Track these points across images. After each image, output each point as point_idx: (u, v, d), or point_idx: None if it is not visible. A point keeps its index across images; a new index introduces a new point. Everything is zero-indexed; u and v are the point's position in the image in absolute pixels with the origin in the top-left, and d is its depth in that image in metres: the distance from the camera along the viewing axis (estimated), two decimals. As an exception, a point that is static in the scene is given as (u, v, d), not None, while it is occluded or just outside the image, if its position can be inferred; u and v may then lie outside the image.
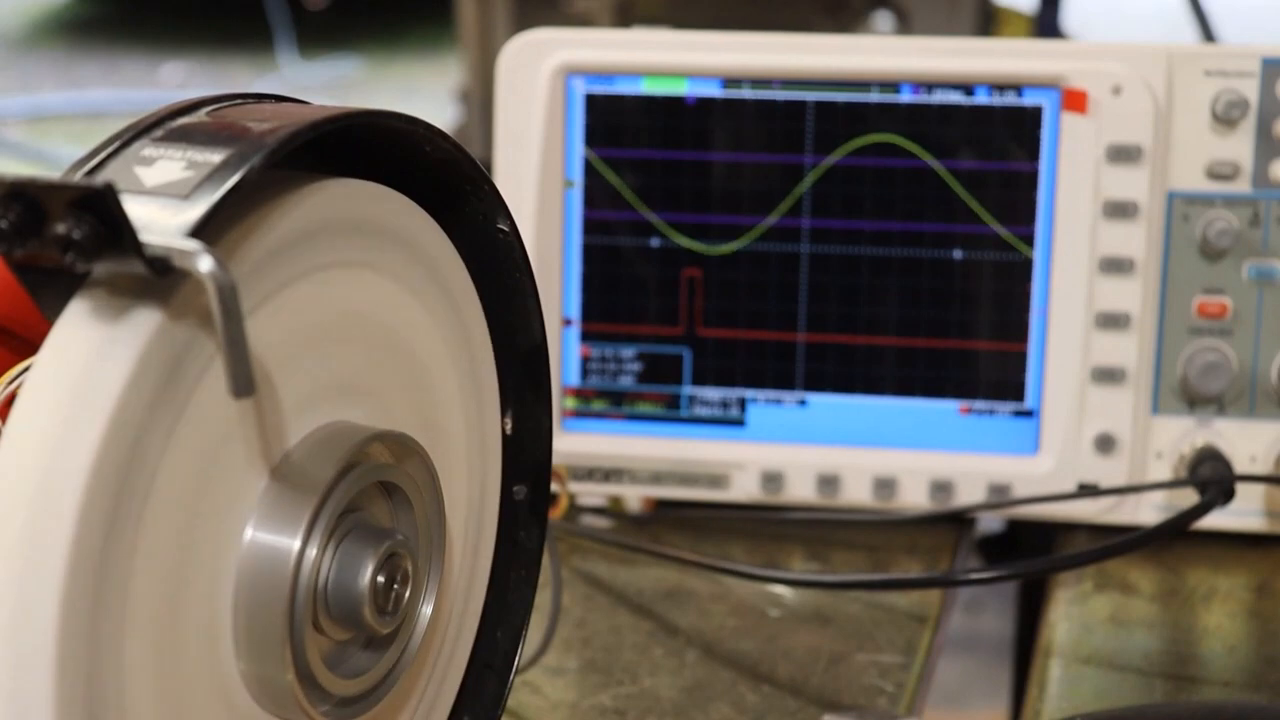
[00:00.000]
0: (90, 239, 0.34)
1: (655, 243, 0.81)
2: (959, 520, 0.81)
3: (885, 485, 0.79)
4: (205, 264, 0.34)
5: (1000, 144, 0.78)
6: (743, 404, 0.81)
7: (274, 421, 0.40)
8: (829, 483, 0.80)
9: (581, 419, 0.82)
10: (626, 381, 0.82)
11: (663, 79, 0.80)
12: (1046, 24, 1.69)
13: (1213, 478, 0.74)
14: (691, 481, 0.81)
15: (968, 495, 0.79)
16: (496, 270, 0.50)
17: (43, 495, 0.35)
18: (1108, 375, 0.78)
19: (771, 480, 0.80)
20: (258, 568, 0.40)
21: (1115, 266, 0.77)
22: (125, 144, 0.39)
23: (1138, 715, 0.59)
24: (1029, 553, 1.02)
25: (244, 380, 0.35)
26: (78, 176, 0.38)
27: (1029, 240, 0.79)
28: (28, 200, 0.34)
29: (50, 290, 0.37)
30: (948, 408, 0.80)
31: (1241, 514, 0.77)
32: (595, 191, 0.81)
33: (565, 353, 0.82)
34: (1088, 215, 0.77)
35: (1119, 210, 0.77)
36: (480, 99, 2.11)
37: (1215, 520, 0.76)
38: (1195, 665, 0.67)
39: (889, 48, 0.80)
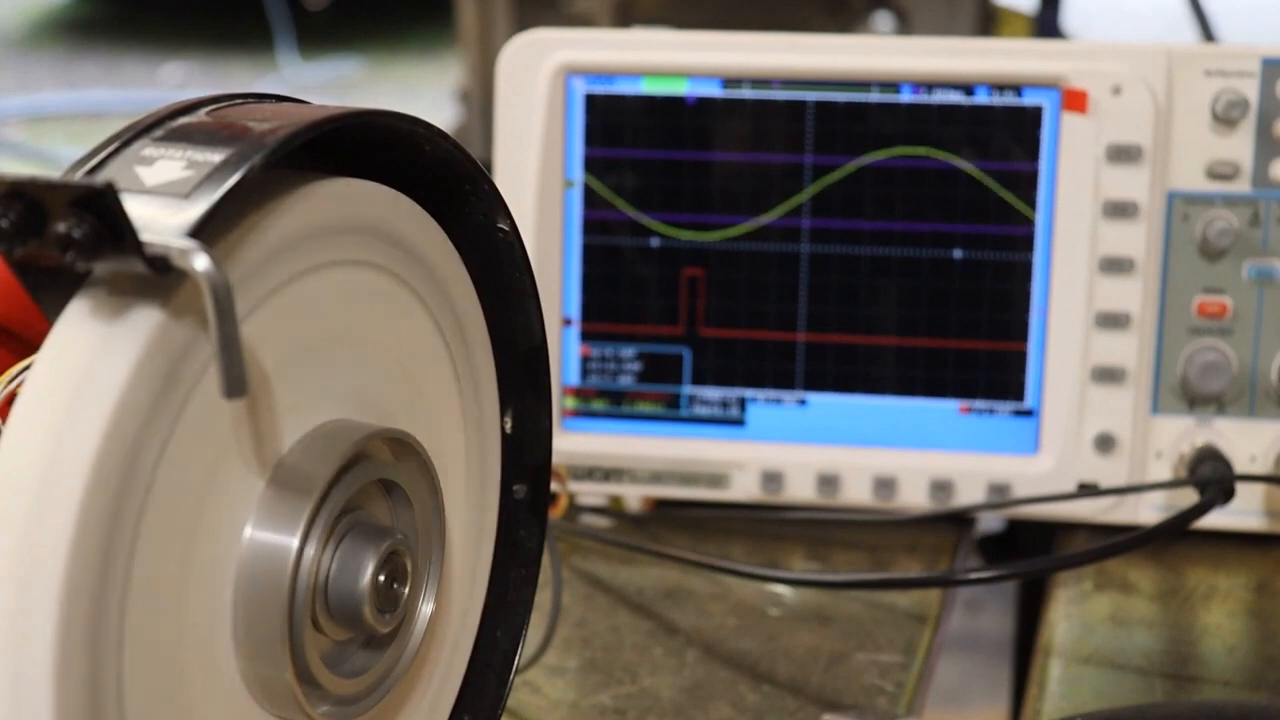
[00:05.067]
0: (91, 238, 0.34)
1: (655, 243, 0.81)
2: (959, 520, 0.81)
3: (885, 485, 0.79)
4: (200, 263, 0.34)
5: (1000, 144, 0.78)
6: (743, 404, 0.81)
7: (273, 420, 0.40)
8: (829, 482, 0.80)
9: (581, 419, 0.82)
10: (626, 381, 0.82)
11: (663, 79, 0.80)
12: (1046, 24, 1.69)
13: (1213, 477, 0.74)
14: (691, 481, 0.81)
15: (968, 495, 0.79)
16: (496, 270, 0.50)
17: (43, 495, 0.35)
18: (1108, 375, 0.78)
19: (771, 480, 0.80)
20: (257, 567, 0.40)
21: (1115, 266, 0.77)
22: (125, 144, 0.39)
23: (1138, 715, 0.59)
24: (1029, 553, 1.02)
25: (237, 381, 0.35)
26: (78, 176, 0.38)
27: (1029, 240, 0.79)
28: (28, 200, 0.34)
29: (50, 290, 0.37)
30: (948, 407, 0.80)
31: (1241, 514, 0.77)
32: (595, 191, 0.81)
33: (565, 353, 0.82)
34: (1088, 215, 0.77)
35: (1119, 210, 0.77)
36: (480, 99, 2.11)
37: (1215, 520, 0.76)
38: (1195, 665, 0.67)
39: (889, 48, 0.80)
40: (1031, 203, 0.78)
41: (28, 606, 0.34)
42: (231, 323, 0.35)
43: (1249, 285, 0.77)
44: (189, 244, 0.35)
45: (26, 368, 0.41)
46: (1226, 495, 0.73)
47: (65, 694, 0.35)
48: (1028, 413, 0.79)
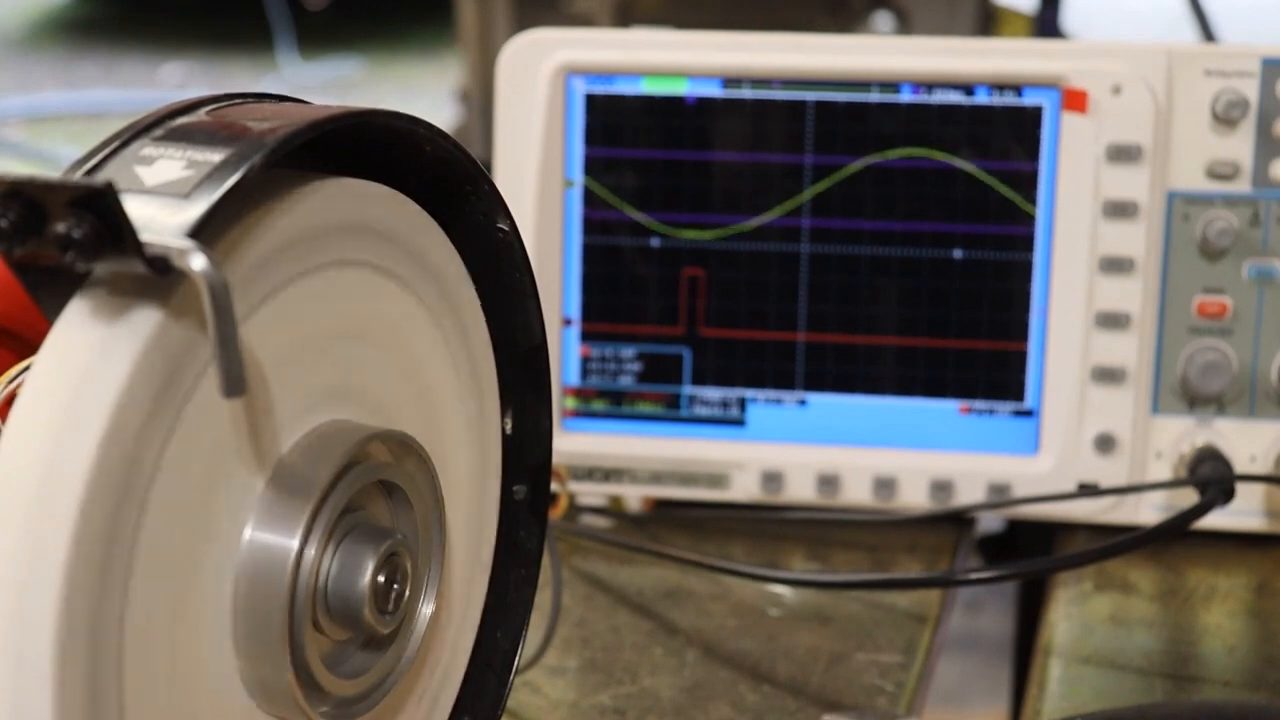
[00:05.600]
0: (90, 238, 0.34)
1: (655, 242, 0.81)
2: (959, 520, 0.81)
3: (885, 485, 0.79)
4: (198, 262, 0.34)
5: (1000, 144, 0.78)
6: (743, 404, 0.81)
7: (273, 420, 0.40)
8: (829, 483, 0.80)
9: (581, 419, 0.82)
10: (626, 381, 0.82)
11: (663, 79, 0.80)
12: (1046, 24, 1.69)
13: (1213, 477, 0.74)
14: (691, 481, 0.81)
15: (968, 495, 0.79)
16: (496, 270, 0.50)
17: (43, 495, 0.35)
18: (1108, 375, 0.78)
19: (771, 480, 0.80)
20: (257, 568, 0.40)
21: (1115, 266, 0.77)
22: (125, 143, 0.39)
23: (1138, 715, 0.59)
24: (1029, 553, 1.02)
25: (236, 380, 0.35)
26: (78, 176, 0.38)
27: (1029, 240, 0.78)
28: (27, 199, 0.34)
29: (50, 290, 0.37)
30: (948, 408, 0.80)
31: (1241, 514, 0.77)
32: (595, 191, 0.81)
33: (565, 353, 0.82)
34: (1088, 215, 0.77)
35: (1119, 210, 0.77)
36: (480, 99, 2.11)
37: (1215, 520, 0.76)
38: (1195, 665, 0.67)
39: (889, 48, 0.80)
40: (1032, 203, 0.78)
41: (27, 607, 0.34)
42: (230, 322, 0.35)
43: (1249, 285, 0.77)
44: (187, 244, 0.35)
45: (26, 368, 0.41)
46: (1226, 495, 0.73)
47: (65, 694, 0.35)
48: (1028, 413, 0.79)
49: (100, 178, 0.36)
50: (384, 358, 0.45)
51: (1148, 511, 0.78)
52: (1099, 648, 0.69)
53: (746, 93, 0.80)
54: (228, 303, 0.35)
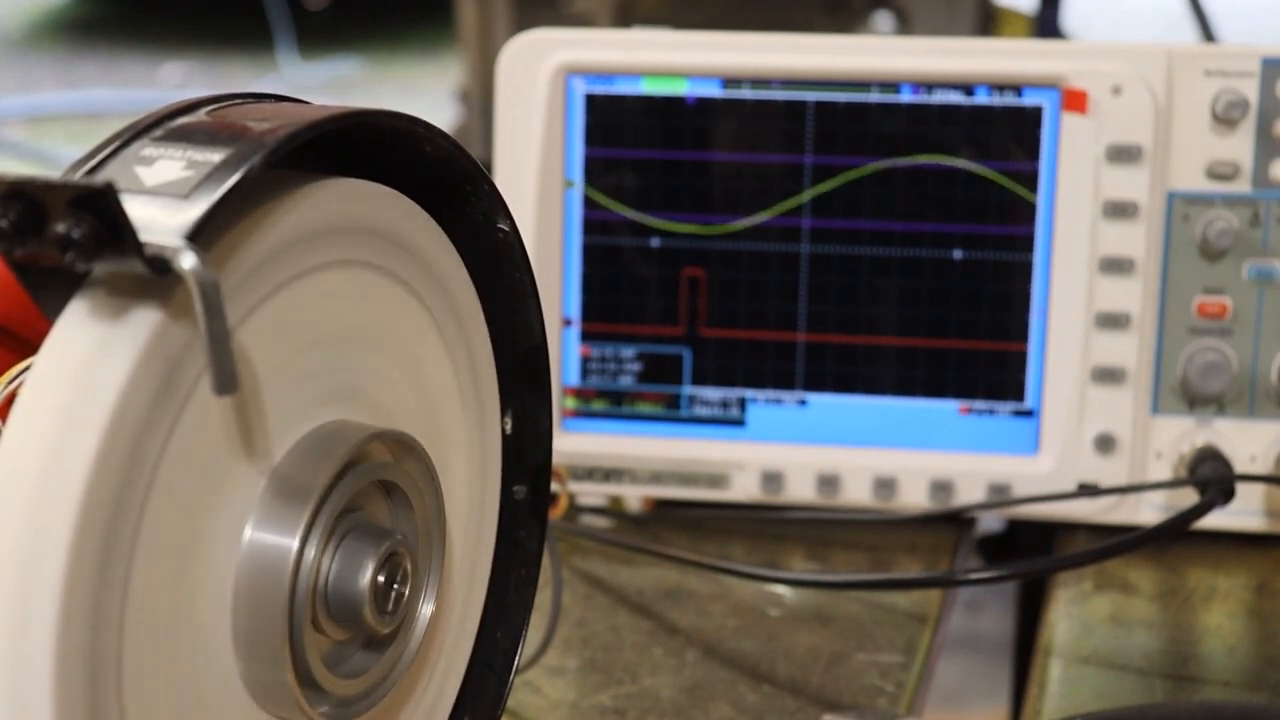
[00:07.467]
0: (90, 238, 0.34)
1: (655, 243, 0.81)
2: (959, 520, 0.81)
3: (885, 485, 0.79)
4: (188, 261, 0.34)
5: (1000, 144, 0.78)
6: (743, 404, 0.81)
7: (273, 420, 0.40)
8: (829, 483, 0.80)
9: (581, 419, 0.82)
10: (626, 381, 0.82)
11: (663, 79, 0.80)
12: (1046, 24, 1.69)
13: (1213, 478, 0.74)
14: (691, 481, 0.81)
15: (968, 495, 0.79)
16: (496, 270, 0.50)
17: (43, 495, 0.35)
18: (1108, 375, 0.78)
19: (771, 480, 0.80)
20: (257, 568, 0.40)
21: (1115, 266, 0.77)
22: (125, 144, 0.39)
23: (1138, 715, 0.59)
24: (1029, 553, 1.02)
25: (227, 379, 0.35)
26: (78, 176, 0.38)
27: (1029, 240, 0.78)
28: (28, 200, 0.34)
29: (50, 290, 0.37)
30: (948, 408, 0.80)
31: (1241, 514, 0.77)
32: (595, 191, 0.81)
33: (565, 353, 0.82)
34: (1088, 215, 0.77)
35: (1119, 210, 0.77)
36: (480, 99, 2.11)
37: (1215, 520, 0.76)
38: (1195, 665, 0.67)
39: (889, 48, 0.80)
40: (1031, 203, 0.78)
41: (27, 606, 0.34)
42: (220, 320, 0.35)
43: (1249, 285, 0.77)
44: (178, 243, 0.35)
45: (27, 368, 0.41)
46: (1226, 495, 0.73)
47: (65, 694, 0.35)
48: (1028, 413, 0.79)
49: (100, 178, 0.36)
50: (384, 358, 0.45)
51: (1148, 511, 0.78)
52: (1099, 648, 0.69)
53: (746, 93, 0.80)
54: (218, 302, 0.35)
